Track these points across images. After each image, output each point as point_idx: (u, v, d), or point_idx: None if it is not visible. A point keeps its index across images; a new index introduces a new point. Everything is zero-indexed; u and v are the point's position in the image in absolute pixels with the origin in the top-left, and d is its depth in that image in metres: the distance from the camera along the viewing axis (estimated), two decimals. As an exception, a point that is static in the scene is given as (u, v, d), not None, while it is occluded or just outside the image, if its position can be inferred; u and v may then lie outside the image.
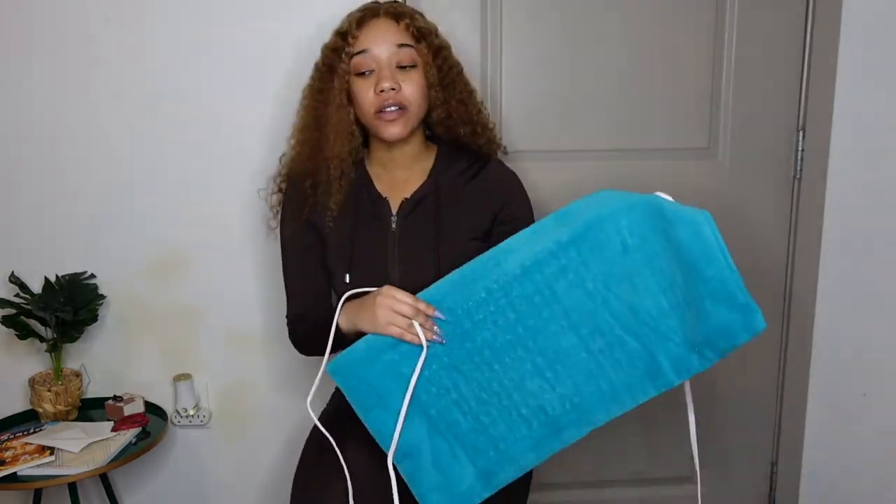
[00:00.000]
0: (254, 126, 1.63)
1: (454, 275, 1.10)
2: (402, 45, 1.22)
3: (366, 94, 1.22)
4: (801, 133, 1.74)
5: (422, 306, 1.09)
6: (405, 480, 1.16)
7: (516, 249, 1.07)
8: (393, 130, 1.23)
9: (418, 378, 1.11)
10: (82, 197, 1.65)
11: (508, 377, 1.10)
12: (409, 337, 1.09)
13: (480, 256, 1.10)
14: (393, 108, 1.21)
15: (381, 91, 1.20)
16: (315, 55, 1.45)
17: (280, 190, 1.38)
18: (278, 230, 1.38)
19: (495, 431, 1.12)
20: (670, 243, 1.01)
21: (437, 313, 1.10)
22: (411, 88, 1.22)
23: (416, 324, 1.09)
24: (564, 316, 1.07)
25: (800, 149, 1.74)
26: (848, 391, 1.79)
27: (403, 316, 1.09)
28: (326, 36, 1.30)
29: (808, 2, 1.68)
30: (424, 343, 1.09)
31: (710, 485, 1.93)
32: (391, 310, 1.10)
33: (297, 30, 1.58)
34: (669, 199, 1.03)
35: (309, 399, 1.15)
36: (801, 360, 1.81)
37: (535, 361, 1.09)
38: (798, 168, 1.75)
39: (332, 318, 1.18)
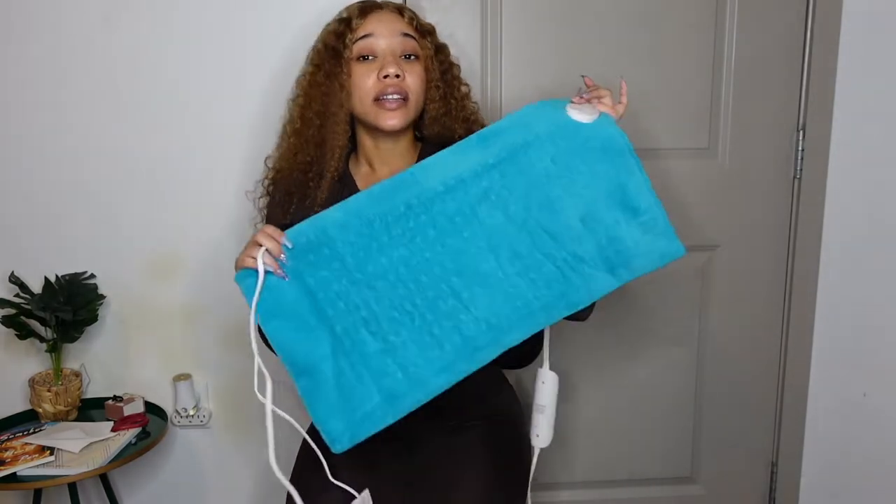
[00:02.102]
0: (254, 126, 1.63)
1: (375, 188, 1.09)
2: (406, 35, 1.22)
3: (366, 79, 1.20)
4: (801, 133, 1.74)
5: (275, 234, 1.07)
6: (304, 401, 1.10)
7: (437, 167, 1.08)
8: (391, 122, 1.20)
9: (327, 293, 1.08)
10: (82, 197, 1.65)
11: (423, 296, 1.08)
12: (249, 262, 1.06)
13: (400, 173, 1.09)
14: (394, 97, 1.20)
15: (385, 76, 1.19)
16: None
17: (268, 193, 1.34)
18: None
19: (405, 353, 1.08)
20: (595, 173, 1.07)
21: (285, 241, 1.07)
22: (414, 79, 1.21)
23: (261, 251, 1.06)
24: (484, 237, 1.08)
25: (800, 149, 1.74)
26: (848, 391, 1.79)
27: (258, 245, 1.07)
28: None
29: (808, 2, 1.68)
30: (261, 269, 1.06)
31: (710, 485, 1.93)
32: (253, 241, 1.08)
33: (298, 32, 1.59)
34: (590, 118, 1.09)
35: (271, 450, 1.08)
36: (801, 360, 1.81)
37: (451, 282, 1.08)
38: (798, 168, 1.75)
39: None
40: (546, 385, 1.20)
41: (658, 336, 1.82)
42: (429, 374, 1.07)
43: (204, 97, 1.62)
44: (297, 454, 1.32)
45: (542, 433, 1.21)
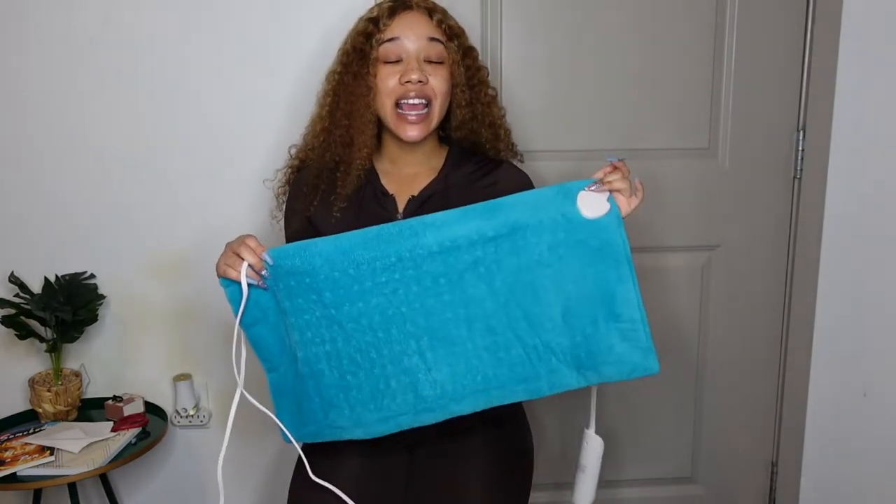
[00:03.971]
0: (255, 126, 1.63)
1: (371, 230, 1.07)
2: (432, 40, 1.21)
3: (390, 80, 1.20)
4: (801, 133, 1.74)
5: (257, 249, 1.09)
6: (270, 391, 1.19)
7: (439, 226, 1.06)
8: (412, 133, 1.21)
9: (297, 319, 1.11)
10: (82, 197, 1.65)
11: (389, 348, 1.09)
12: (232, 274, 1.09)
13: (401, 221, 1.08)
14: (415, 102, 1.20)
15: (408, 81, 1.19)
16: (315, 56, 1.46)
17: (288, 182, 1.35)
18: (283, 222, 1.37)
19: (358, 394, 1.12)
20: (586, 272, 1.05)
21: (266, 256, 1.08)
22: (437, 83, 1.21)
23: (244, 266, 1.08)
24: (463, 305, 1.08)
25: (800, 149, 1.74)
26: (848, 391, 1.79)
27: (239, 257, 1.09)
28: (336, 36, 1.29)
29: (808, 2, 1.68)
30: (244, 283, 1.08)
31: (710, 485, 1.93)
32: (231, 250, 1.10)
33: (299, 33, 1.59)
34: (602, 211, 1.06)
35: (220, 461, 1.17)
36: (801, 360, 1.81)
37: (420, 340, 1.09)
38: (798, 168, 1.75)
39: None
40: (589, 446, 1.20)
41: (658, 336, 1.81)
42: (373, 419, 1.12)
43: (204, 97, 1.62)
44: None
45: (581, 492, 1.21)
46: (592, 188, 1.06)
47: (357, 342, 1.10)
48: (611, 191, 1.06)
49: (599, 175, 1.07)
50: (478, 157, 1.31)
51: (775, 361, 1.87)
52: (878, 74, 1.64)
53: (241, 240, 1.11)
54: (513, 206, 1.06)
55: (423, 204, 1.25)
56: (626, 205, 1.07)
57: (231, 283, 1.11)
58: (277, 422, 1.19)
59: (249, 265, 1.08)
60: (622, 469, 1.88)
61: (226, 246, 1.13)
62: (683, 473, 1.92)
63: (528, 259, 1.06)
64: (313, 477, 1.17)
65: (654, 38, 1.67)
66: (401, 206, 1.26)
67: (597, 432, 1.17)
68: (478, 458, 1.22)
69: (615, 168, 1.08)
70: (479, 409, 1.11)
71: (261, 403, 1.16)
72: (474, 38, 1.66)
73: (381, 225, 1.07)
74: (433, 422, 1.11)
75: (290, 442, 1.18)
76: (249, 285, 1.09)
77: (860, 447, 1.81)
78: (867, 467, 1.82)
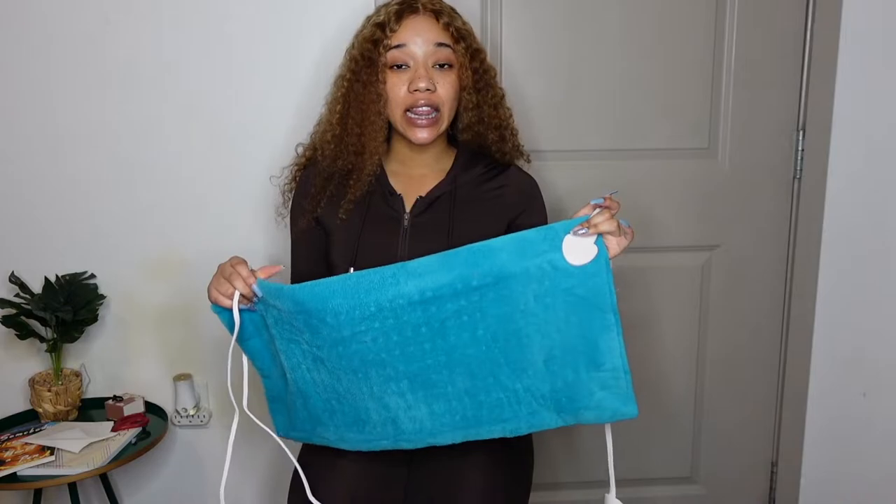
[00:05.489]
0: (256, 126, 1.63)
1: (350, 277, 1.05)
2: (440, 45, 1.20)
3: (398, 89, 1.20)
4: (801, 133, 1.74)
5: (248, 279, 1.09)
6: (265, 393, 1.24)
7: (420, 274, 1.03)
8: (421, 135, 1.21)
9: (285, 347, 1.13)
10: (82, 197, 1.65)
11: (370, 389, 1.10)
12: (224, 302, 1.11)
13: (382, 268, 1.04)
14: (424, 109, 1.20)
15: (416, 90, 1.18)
16: (316, 57, 1.45)
17: (295, 179, 1.35)
18: (288, 219, 1.37)
19: (341, 418, 1.14)
20: (570, 319, 1.03)
21: (256, 289, 1.09)
22: (445, 90, 1.20)
23: (236, 295, 1.10)
24: (444, 352, 1.06)
25: (800, 149, 1.74)
26: (848, 391, 1.79)
27: (230, 283, 1.10)
28: (338, 36, 1.29)
29: (808, 2, 1.68)
30: (236, 313, 1.10)
31: (710, 485, 1.93)
32: (222, 276, 1.11)
33: (302, 32, 1.59)
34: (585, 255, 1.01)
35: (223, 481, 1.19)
36: (801, 360, 1.81)
37: (400, 383, 1.09)
38: (798, 168, 1.75)
39: None
40: None
41: (658, 335, 1.82)
42: (356, 439, 1.16)
43: (205, 97, 1.62)
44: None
45: None
46: (580, 232, 1.00)
47: (339, 378, 1.11)
48: (599, 234, 1.00)
49: (586, 212, 1.03)
50: (486, 160, 1.31)
51: (775, 361, 1.87)
52: (878, 74, 1.64)
53: (233, 267, 1.11)
54: (498, 251, 1.02)
55: (431, 205, 1.26)
56: (615, 246, 1.02)
57: (223, 310, 1.13)
58: (276, 438, 1.21)
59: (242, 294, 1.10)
60: (622, 469, 1.88)
61: (217, 268, 1.14)
62: (683, 473, 1.92)
63: (513, 308, 1.03)
64: (312, 498, 1.17)
65: (654, 38, 1.67)
66: (408, 206, 1.26)
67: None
68: (478, 458, 1.22)
69: (603, 207, 1.02)
70: (456, 442, 1.12)
71: (256, 404, 1.17)
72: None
73: (362, 271, 1.05)
74: (411, 448, 1.14)
75: (287, 436, 1.23)
76: (241, 310, 1.11)
77: (860, 447, 1.81)
78: (867, 467, 1.82)
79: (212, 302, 1.13)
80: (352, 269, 1.24)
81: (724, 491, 1.93)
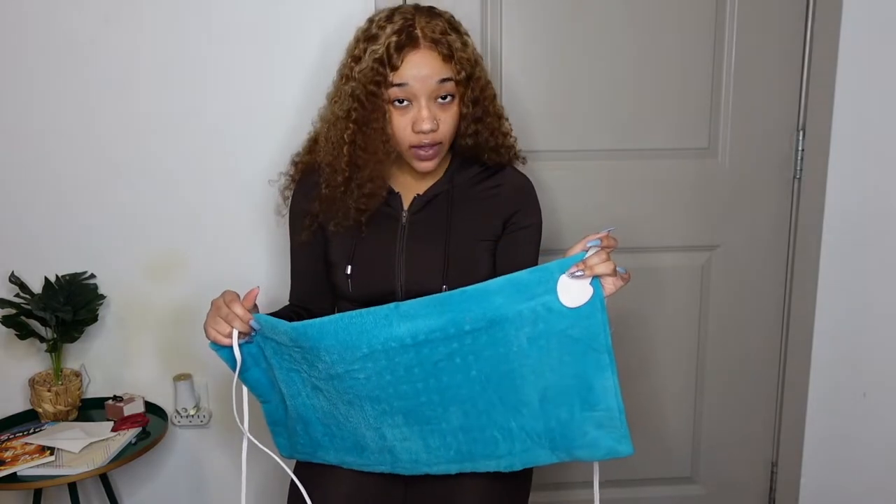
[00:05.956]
0: (256, 126, 1.63)
1: (343, 317, 1.05)
2: (443, 80, 1.17)
3: (403, 127, 1.18)
4: (801, 133, 1.74)
5: (245, 317, 1.10)
6: (265, 417, 1.25)
7: (412, 317, 1.03)
8: (425, 165, 1.21)
9: (284, 376, 1.14)
10: (82, 197, 1.65)
11: (366, 420, 1.12)
12: (222, 341, 1.12)
13: (374, 309, 1.04)
14: (428, 147, 1.19)
15: (420, 131, 1.17)
16: (318, 57, 1.44)
17: (292, 179, 1.35)
18: (287, 226, 1.37)
19: (341, 443, 1.17)
20: (564, 360, 1.03)
21: (254, 324, 1.10)
22: (447, 125, 1.19)
23: (235, 333, 1.11)
24: (438, 392, 1.07)
25: (800, 149, 1.74)
26: (848, 391, 1.79)
27: (227, 322, 1.11)
28: (337, 37, 1.28)
29: (808, 2, 1.68)
30: (237, 354, 1.11)
31: (710, 485, 1.93)
32: (217, 315, 1.12)
33: (301, 34, 1.59)
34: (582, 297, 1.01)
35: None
36: (801, 361, 1.81)
37: (395, 417, 1.10)
38: (798, 168, 1.75)
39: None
40: None
41: (658, 336, 1.82)
42: (355, 462, 1.19)
43: (205, 98, 1.61)
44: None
45: None
46: (576, 273, 0.99)
47: (336, 406, 1.13)
48: (595, 272, 0.99)
49: (580, 249, 1.02)
50: (482, 161, 1.31)
51: (775, 361, 1.87)
52: (878, 74, 1.64)
53: (228, 305, 1.11)
54: (491, 294, 1.02)
55: (429, 203, 1.27)
56: (611, 286, 1.01)
57: (221, 348, 1.13)
58: (276, 458, 1.22)
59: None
60: (622, 469, 1.88)
61: (211, 305, 1.14)
62: (683, 473, 1.92)
63: (507, 350, 1.03)
64: None
65: (654, 37, 1.67)
66: (406, 205, 1.28)
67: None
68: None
69: (601, 247, 1.01)
70: (451, 473, 1.14)
71: (257, 420, 1.19)
72: (474, 38, 1.67)
73: (354, 312, 1.05)
74: (409, 474, 1.17)
75: (290, 457, 1.26)
76: (240, 345, 1.12)
77: (860, 447, 1.81)
78: (867, 467, 1.82)
79: (210, 340, 1.13)
80: (349, 268, 1.25)
81: (724, 491, 1.93)
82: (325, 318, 1.06)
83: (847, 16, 1.61)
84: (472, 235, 1.27)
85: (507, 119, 1.31)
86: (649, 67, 1.68)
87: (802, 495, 1.86)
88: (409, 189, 1.29)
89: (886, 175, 1.69)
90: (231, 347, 1.11)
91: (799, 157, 1.75)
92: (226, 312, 1.11)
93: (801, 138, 1.74)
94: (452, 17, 1.22)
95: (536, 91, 1.68)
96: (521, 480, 1.27)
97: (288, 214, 1.36)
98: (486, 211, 1.28)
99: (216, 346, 1.14)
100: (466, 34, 1.22)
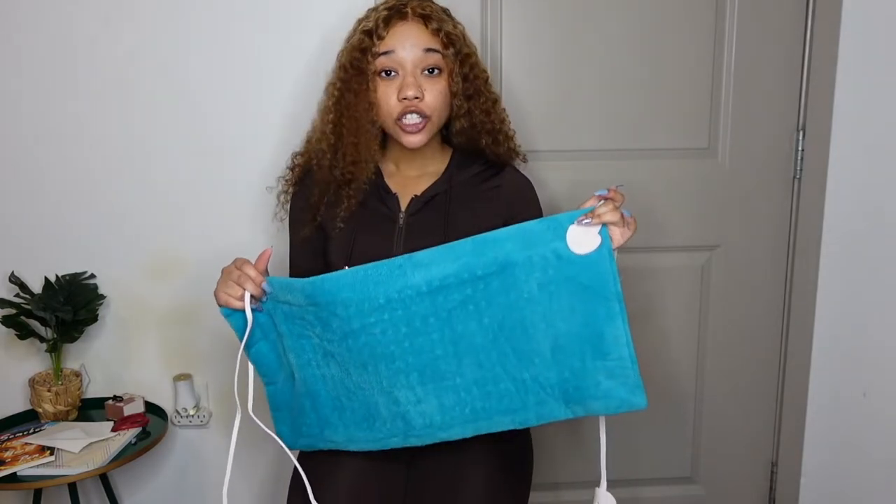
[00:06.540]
0: (256, 126, 1.63)
1: (359, 270, 1.07)
2: (429, 50, 1.19)
3: (388, 97, 1.20)
4: (801, 133, 1.74)
5: (257, 279, 1.11)
6: (268, 402, 1.24)
7: (426, 265, 1.05)
8: (413, 139, 1.21)
9: (294, 343, 1.14)
10: (82, 197, 1.65)
11: (379, 384, 1.11)
12: (234, 304, 1.11)
13: (389, 260, 1.06)
14: (414, 117, 1.20)
15: (404, 98, 1.18)
16: (318, 57, 1.45)
17: (293, 183, 1.36)
18: (287, 226, 1.38)
19: (350, 416, 1.15)
20: (575, 308, 1.03)
21: (266, 286, 1.11)
22: (434, 96, 1.20)
23: (247, 296, 1.11)
24: (452, 343, 1.07)
25: (800, 149, 1.74)
26: (848, 391, 1.79)
27: (239, 285, 1.11)
28: (338, 37, 1.28)
29: (808, 2, 1.68)
30: (249, 316, 1.11)
31: (710, 485, 1.93)
32: (229, 279, 1.12)
33: (301, 33, 1.59)
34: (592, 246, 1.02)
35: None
36: (801, 360, 1.81)
37: (410, 376, 1.09)
38: (798, 168, 1.75)
39: None
40: None
41: (658, 335, 1.82)
42: (365, 438, 1.17)
43: (204, 98, 1.62)
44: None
45: None
46: (584, 221, 1.01)
47: (349, 373, 1.12)
48: (603, 223, 1.01)
49: (591, 203, 1.03)
50: (481, 160, 1.31)
51: (775, 361, 1.87)
52: (878, 74, 1.64)
53: (240, 268, 1.12)
54: (502, 241, 1.04)
55: (426, 204, 1.27)
56: (618, 236, 1.02)
57: (233, 312, 1.13)
58: (279, 440, 1.22)
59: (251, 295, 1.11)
60: (622, 469, 1.88)
61: (222, 272, 1.14)
62: (683, 473, 1.92)
63: (518, 296, 1.04)
64: (313, 500, 1.18)
65: (654, 37, 1.67)
66: (403, 205, 1.27)
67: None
68: (478, 458, 1.22)
69: (607, 198, 1.03)
70: (466, 436, 1.13)
71: (259, 408, 1.18)
72: (474, 38, 1.67)
73: (369, 264, 1.07)
74: (421, 444, 1.14)
75: (293, 447, 1.23)
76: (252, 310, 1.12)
77: (860, 447, 1.81)
78: (867, 467, 1.81)
79: (221, 305, 1.13)
80: (347, 268, 1.25)
81: (724, 491, 1.93)
82: (340, 272, 1.08)
83: (847, 16, 1.61)
84: (471, 236, 1.26)
85: (503, 107, 1.32)
86: (649, 67, 1.68)
87: (802, 495, 1.86)
88: (407, 190, 1.28)
89: (886, 175, 1.69)
90: (243, 311, 1.11)
91: (799, 157, 1.75)
92: (237, 275, 1.11)
93: (801, 138, 1.74)
94: (448, 9, 1.25)
95: (536, 91, 1.68)
96: (522, 472, 1.28)
97: (287, 219, 1.36)
98: (485, 211, 1.27)
99: (227, 311, 1.13)
100: (460, 23, 1.25)
